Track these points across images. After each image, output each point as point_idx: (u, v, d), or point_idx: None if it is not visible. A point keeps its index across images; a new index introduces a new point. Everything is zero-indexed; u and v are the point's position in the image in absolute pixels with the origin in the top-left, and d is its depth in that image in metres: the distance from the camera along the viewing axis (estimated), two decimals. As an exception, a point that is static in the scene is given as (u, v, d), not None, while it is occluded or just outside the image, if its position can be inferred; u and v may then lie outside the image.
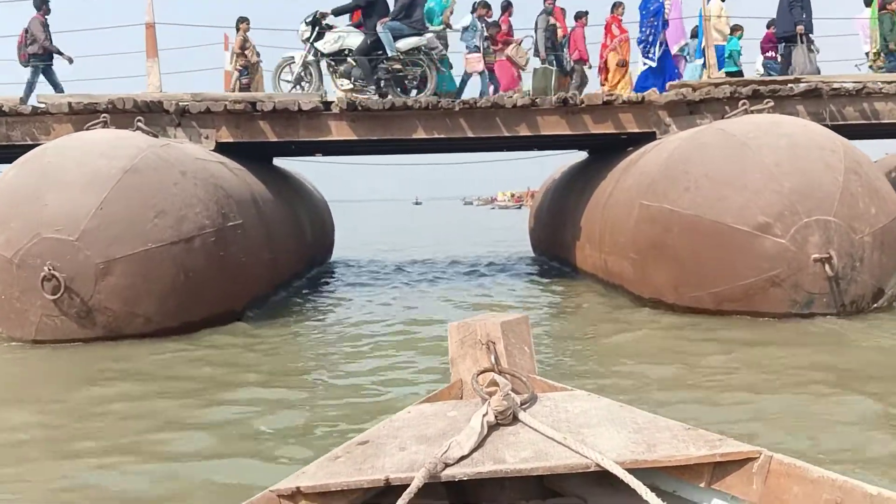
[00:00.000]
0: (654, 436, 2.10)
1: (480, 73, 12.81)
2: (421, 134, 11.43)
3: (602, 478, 2.11)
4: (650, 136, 11.64)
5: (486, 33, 12.92)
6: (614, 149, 13.26)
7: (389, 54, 11.70)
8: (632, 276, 9.56)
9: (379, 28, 11.64)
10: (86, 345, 7.86)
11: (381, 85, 11.77)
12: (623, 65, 13.28)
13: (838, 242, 7.93)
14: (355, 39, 11.79)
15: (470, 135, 11.44)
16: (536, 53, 13.49)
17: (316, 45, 11.79)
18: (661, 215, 8.81)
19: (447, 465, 1.97)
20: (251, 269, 9.19)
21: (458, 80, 13.04)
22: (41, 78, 12.42)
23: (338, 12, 12.04)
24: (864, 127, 11.58)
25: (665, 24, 12.79)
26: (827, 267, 7.79)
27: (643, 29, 12.66)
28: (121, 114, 10.61)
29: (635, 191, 9.74)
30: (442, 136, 11.43)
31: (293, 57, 11.97)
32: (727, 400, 5.31)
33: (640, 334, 8.00)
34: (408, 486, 1.86)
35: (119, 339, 7.91)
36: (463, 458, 2.01)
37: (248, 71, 13.05)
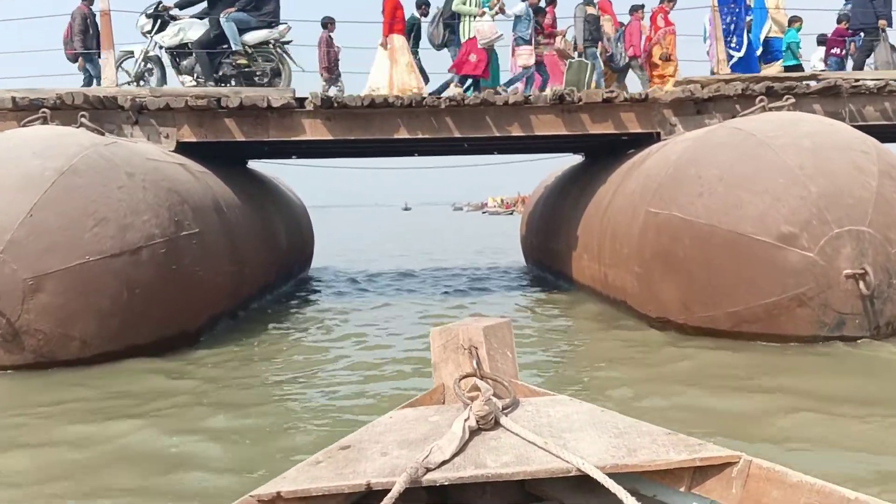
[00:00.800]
0: (634, 440, 2.13)
1: (527, 68, 11.89)
2: (403, 134, 10.50)
3: (583, 482, 2.13)
4: (652, 138, 10.78)
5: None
6: (613, 151, 12.38)
7: (234, 48, 10.82)
8: (636, 292, 8.65)
9: (222, 19, 10.73)
10: (14, 373, 6.87)
11: (229, 81, 10.93)
12: (666, 59, 12.32)
13: (873, 256, 7.03)
14: (196, 32, 10.89)
15: (457, 135, 10.52)
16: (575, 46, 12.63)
17: (156, 38, 10.92)
18: (670, 224, 7.91)
19: (429, 470, 1.98)
20: (209, 283, 8.22)
21: (504, 76, 12.23)
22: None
23: (182, 5, 11.18)
24: (886, 128, 10.73)
25: (747, 9, 11.86)
26: (861, 284, 6.90)
27: (724, 17, 11.69)
28: (70, 110, 9.61)
29: (640, 196, 8.84)
30: (427, 136, 10.50)
31: (132, 51, 11.08)
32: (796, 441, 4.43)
33: (647, 359, 7.09)
34: (389, 490, 1.87)
35: (52, 365, 6.92)
36: (444, 462, 2.03)
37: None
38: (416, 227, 50.85)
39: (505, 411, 2.36)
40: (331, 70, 12.30)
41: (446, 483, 2.00)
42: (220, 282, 8.59)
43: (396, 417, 2.48)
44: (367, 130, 10.45)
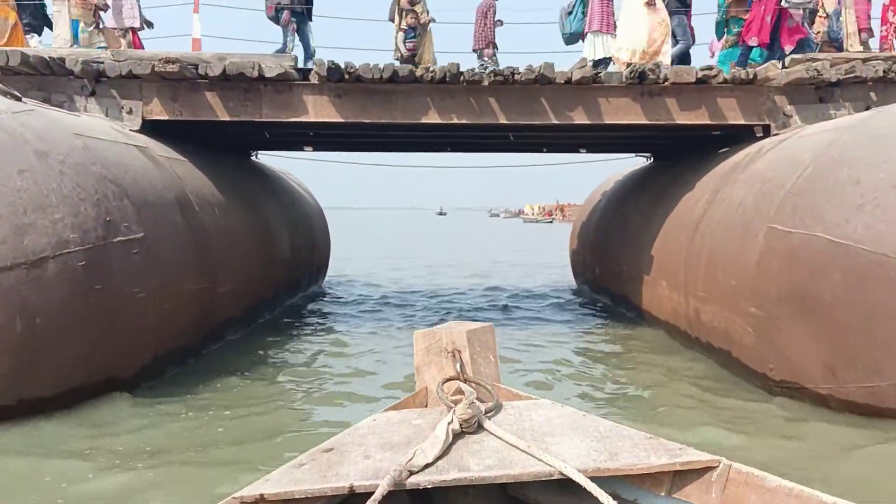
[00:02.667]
0: (616, 444, 2.19)
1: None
2: (434, 118, 8.24)
3: (565, 486, 2.22)
4: (751, 134, 8.43)
5: None
6: (696, 150, 9.99)
7: None
8: (749, 342, 6.26)
9: None
10: None
11: None
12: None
13: None
14: None
15: (503, 121, 8.23)
16: None
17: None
18: (810, 249, 5.53)
19: (412, 473, 2.03)
20: (156, 309, 6.05)
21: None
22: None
23: None
24: None
25: None
26: None
27: None
28: (11, 76, 7.62)
29: (754, 208, 6.47)
30: (464, 121, 8.23)
31: None
32: None
33: (779, 451, 4.71)
34: (372, 493, 1.92)
35: None
36: (427, 465, 2.07)
37: (416, 33, 9.57)
38: (451, 234, 48.61)
39: (488, 415, 2.40)
40: (490, 45, 9.95)
41: (429, 486, 2.04)
42: (174, 306, 6.41)
43: (379, 420, 2.50)
44: (388, 112, 8.22)
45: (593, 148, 12.70)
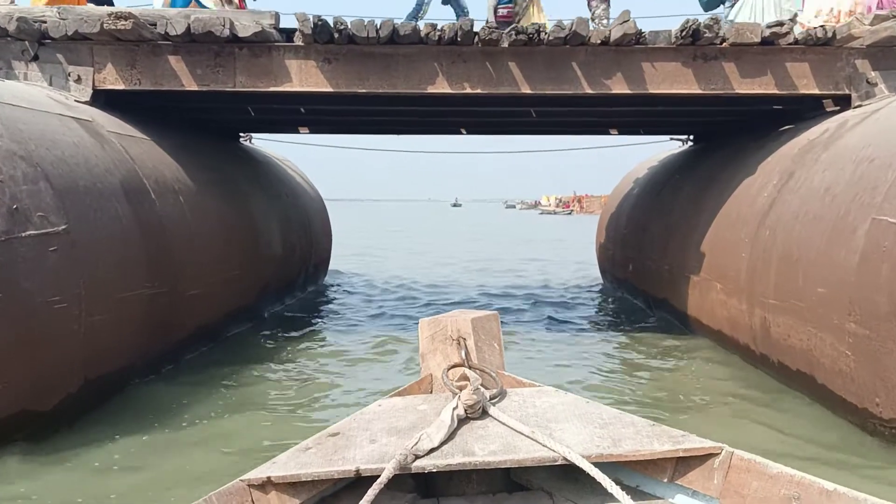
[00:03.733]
0: (619, 431, 2.25)
1: None
2: (442, 87, 6.92)
3: (568, 471, 2.26)
4: (820, 108, 7.08)
5: None
6: (749, 129, 8.63)
7: None
8: (846, 368, 4.90)
9: None
10: None
11: None
12: None
13: None
14: None
15: (525, 90, 6.90)
16: None
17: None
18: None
19: (417, 457, 2.09)
20: (84, 320, 4.78)
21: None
22: None
23: None
24: None
25: None
26: None
27: None
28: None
29: (851, 195, 5.11)
30: (478, 90, 6.91)
31: None
32: None
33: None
34: (378, 476, 1.97)
35: None
36: (433, 450, 2.14)
37: None
38: (467, 227, 47.27)
39: (492, 401, 2.48)
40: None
41: (434, 470, 2.11)
42: (113, 318, 5.14)
43: (385, 406, 2.56)
44: (387, 80, 6.91)
45: (626, 129, 11.34)
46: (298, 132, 11.64)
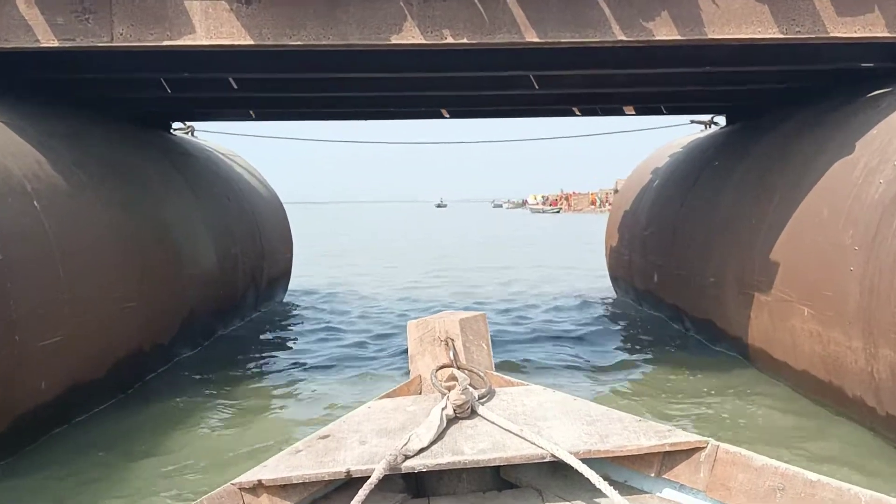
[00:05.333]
0: (606, 427, 2.31)
1: None
2: (413, 36, 4.91)
3: (557, 469, 2.34)
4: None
5: None
6: (809, 99, 6.71)
7: None
8: None
9: None
10: None
11: None
12: None
13: None
14: None
15: (531, 38, 4.88)
16: None
17: None
18: None
19: (407, 457, 2.13)
20: None
21: None
22: None
23: None
24: None
25: None
26: None
27: None
28: None
29: None
30: (463, 40, 4.89)
31: None
32: None
33: None
34: (368, 477, 2.01)
35: None
36: (422, 450, 2.17)
37: None
38: (453, 229, 45.27)
39: (481, 400, 2.53)
40: None
41: (424, 470, 2.15)
42: None
43: (374, 408, 2.61)
44: (333, 28, 4.89)
45: (646, 106, 9.35)
46: (242, 119, 9.58)
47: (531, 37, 4.87)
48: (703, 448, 2.19)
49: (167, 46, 4.90)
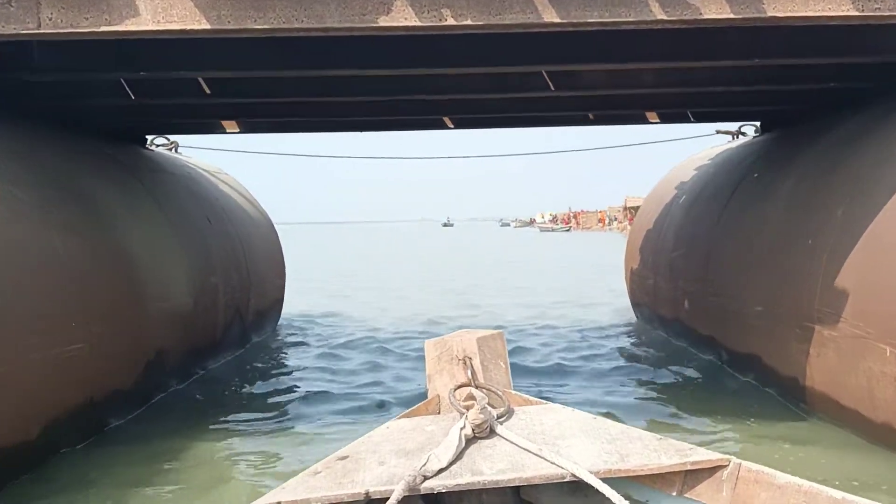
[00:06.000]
0: (626, 446, 2.30)
1: None
2: (406, 17, 4.03)
3: (577, 488, 2.30)
4: None
5: None
6: (863, 98, 5.81)
7: None
8: None
9: None
10: None
11: None
12: None
13: None
14: None
15: (552, 18, 3.99)
16: None
17: None
18: None
19: (426, 478, 2.15)
20: None
21: None
22: None
23: None
24: None
25: None
26: None
27: None
28: None
29: None
30: (467, 21, 4.01)
31: None
32: None
33: None
34: (388, 498, 2.04)
35: None
36: (441, 470, 2.18)
37: None
38: (461, 250, 44.38)
39: (499, 420, 2.53)
40: None
41: (444, 490, 2.14)
42: None
43: (393, 428, 2.64)
44: (306, 9, 4.01)
45: (670, 112, 8.46)
46: (226, 132, 8.74)
47: (550, 16, 3.99)
48: (726, 466, 2.16)
49: (106, 33, 4.04)
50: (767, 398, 6.07)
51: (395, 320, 12.00)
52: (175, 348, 6.76)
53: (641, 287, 10.32)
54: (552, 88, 6.12)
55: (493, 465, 2.20)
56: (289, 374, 8.00)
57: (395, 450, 2.36)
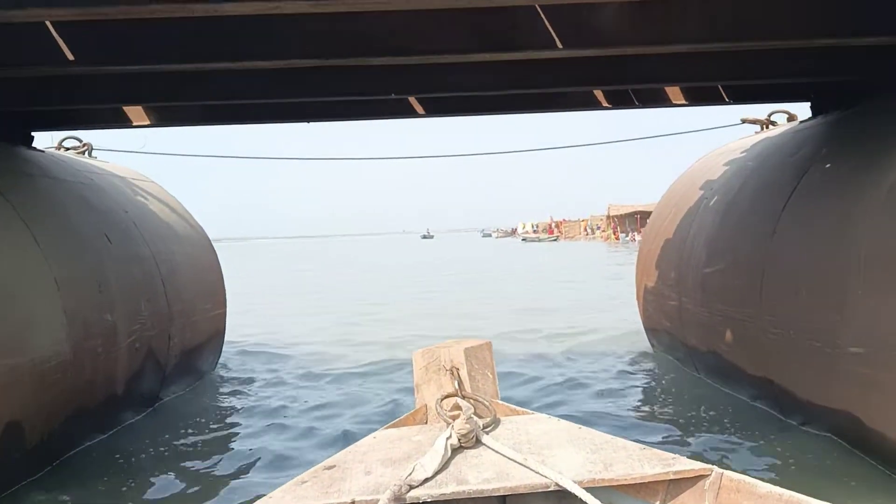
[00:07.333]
0: (611, 455, 2.31)
1: None
2: None
3: (562, 497, 2.28)
4: None
5: None
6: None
7: None
8: None
9: None
10: None
11: None
12: None
13: None
14: None
15: None
16: None
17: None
18: None
19: (412, 487, 2.15)
20: None
21: None
22: None
23: None
24: None
25: None
26: None
27: None
28: None
29: None
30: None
31: None
32: None
33: None
34: None
35: None
36: (427, 479, 2.20)
37: None
38: (440, 264, 42.60)
39: (486, 429, 2.55)
40: None
41: (429, 500, 2.14)
42: None
43: (380, 437, 2.64)
44: None
45: (698, 90, 6.77)
46: (132, 124, 6.90)
47: None
48: (708, 476, 2.18)
49: None
50: (876, 472, 4.33)
51: (364, 354, 10.19)
52: (39, 417, 4.92)
53: (660, 309, 8.56)
54: (559, 46, 4.38)
55: (478, 475, 2.22)
56: (220, 435, 6.17)
57: (382, 459, 2.38)
